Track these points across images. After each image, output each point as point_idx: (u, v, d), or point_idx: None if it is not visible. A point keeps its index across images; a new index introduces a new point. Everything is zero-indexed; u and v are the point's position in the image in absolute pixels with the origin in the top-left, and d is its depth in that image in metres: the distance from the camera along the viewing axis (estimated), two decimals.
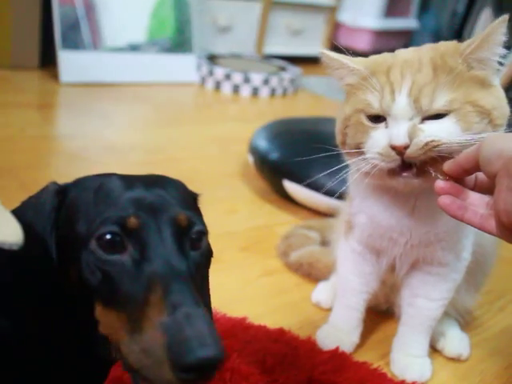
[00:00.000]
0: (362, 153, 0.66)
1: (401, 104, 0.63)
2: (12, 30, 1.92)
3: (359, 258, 0.82)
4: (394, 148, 0.62)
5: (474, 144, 0.55)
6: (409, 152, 0.62)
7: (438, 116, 0.63)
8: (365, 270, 0.83)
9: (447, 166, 0.58)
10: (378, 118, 0.65)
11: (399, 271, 0.81)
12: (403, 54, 0.68)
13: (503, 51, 0.63)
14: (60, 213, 0.48)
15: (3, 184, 1.19)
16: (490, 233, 0.56)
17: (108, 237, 0.43)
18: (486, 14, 1.67)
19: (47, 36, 1.98)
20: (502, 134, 0.55)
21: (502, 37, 0.62)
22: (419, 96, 0.62)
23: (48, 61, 2.01)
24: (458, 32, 2.72)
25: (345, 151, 0.71)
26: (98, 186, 0.48)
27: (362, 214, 0.77)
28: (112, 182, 0.48)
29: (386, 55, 0.69)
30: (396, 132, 0.62)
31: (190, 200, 0.53)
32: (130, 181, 0.48)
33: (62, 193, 0.49)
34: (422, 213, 0.72)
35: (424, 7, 3.06)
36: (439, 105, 0.63)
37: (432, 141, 0.61)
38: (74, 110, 1.78)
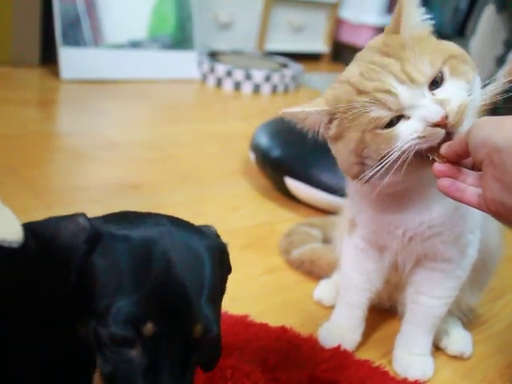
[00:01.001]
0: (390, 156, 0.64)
1: (404, 94, 0.61)
2: (12, 27, 1.91)
3: (362, 254, 0.82)
4: (437, 124, 0.60)
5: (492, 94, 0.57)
6: (451, 119, 0.61)
7: (438, 84, 0.63)
8: (368, 267, 0.82)
9: (443, 149, 0.59)
10: (394, 121, 0.63)
11: (403, 269, 0.80)
12: (353, 70, 0.67)
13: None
14: (85, 261, 0.45)
15: (3, 181, 1.18)
16: (487, 212, 0.56)
17: (121, 337, 0.44)
18: (488, 10, 1.66)
19: (48, 33, 1.98)
20: (489, 119, 0.55)
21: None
22: (409, 76, 0.62)
23: (49, 58, 2.01)
24: (461, 28, 2.71)
25: (369, 173, 0.65)
26: (130, 249, 0.45)
27: (363, 214, 0.77)
28: (146, 245, 0.45)
29: (337, 87, 0.67)
30: (429, 110, 0.61)
31: (217, 272, 0.50)
32: (165, 250, 0.46)
33: (94, 241, 0.46)
34: (415, 205, 0.72)
35: (426, 3, 3.04)
36: (427, 70, 0.62)
37: (461, 103, 0.61)
38: (75, 106, 1.78)
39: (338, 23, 2.96)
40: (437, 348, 0.89)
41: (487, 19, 1.63)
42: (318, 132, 0.69)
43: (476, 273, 0.85)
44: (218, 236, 0.55)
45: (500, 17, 1.60)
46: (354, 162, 0.66)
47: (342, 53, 2.99)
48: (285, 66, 2.43)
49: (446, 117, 0.60)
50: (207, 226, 0.56)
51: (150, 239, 0.46)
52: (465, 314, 0.93)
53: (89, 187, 1.25)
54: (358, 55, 0.69)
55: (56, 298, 0.45)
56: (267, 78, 2.24)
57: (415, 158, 0.62)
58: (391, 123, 0.62)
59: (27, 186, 1.19)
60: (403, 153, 0.61)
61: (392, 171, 0.63)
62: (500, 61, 1.56)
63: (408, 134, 0.61)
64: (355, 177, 0.67)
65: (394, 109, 0.62)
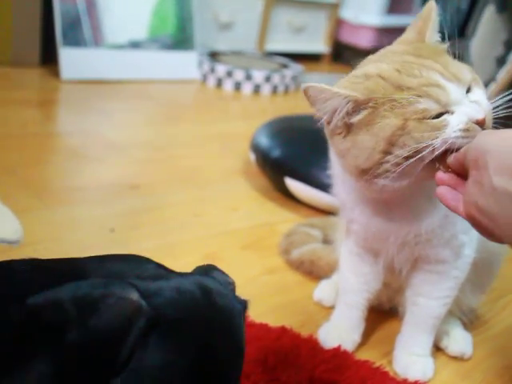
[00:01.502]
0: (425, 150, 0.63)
1: (453, 90, 0.63)
2: (13, 27, 1.91)
3: (357, 258, 0.83)
4: (477, 122, 0.62)
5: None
6: (487, 120, 0.63)
7: (469, 90, 0.65)
8: (364, 270, 0.83)
9: (449, 159, 0.60)
10: (437, 115, 0.64)
11: (400, 272, 0.81)
12: (380, 67, 0.66)
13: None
14: (137, 354, 0.37)
15: (3, 181, 1.18)
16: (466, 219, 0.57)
17: None
18: (489, 10, 1.66)
19: (48, 33, 1.98)
20: (489, 131, 0.58)
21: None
22: (455, 75, 0.63)
23: (49, 58, 2.00)
24: (462, 29, 2.71)
25: (391, 162, 0.63)
26: (192, 336, 0.40)
27: (355, 223, 0.78)
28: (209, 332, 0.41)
29: (362, 80, 0.66)
30: (472, 108, 0.63)
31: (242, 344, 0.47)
32: (208, 344, 0.41)
33: (151, 327, 0.38)
34: (404, 216, 0.73)
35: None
36: (468, 75, 0.65)
37: (489, 108, 0.64)
38: (75, 107, 1.78)
39: (338, 24, 2.96)
40: (437, 348, 0.88)
41: (488, 20, 1.62)
42: (330, 118, 0.66)
43: (477, 274, 0.85)
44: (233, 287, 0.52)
45: (500, 17, 1.59)
46: (380, 151, 0.63)
47: (342, 53, 2.99)
48: (285, 66, 2.43)
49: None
50: (214, 271, 0.51)
51: (211, 324, 0.42)
52: (465, 315, 0.92)
53: (88, 187, 1.24)
54: (374, 58, 0.69)
55: None
56: (267, 79, 2.24)
57: (427, 165, 0.63)
58: (435, 116, 0.63)
59: (27, 186, 1.19)
60: (444, 143, 0.61)
61: (408, 172, 0.63)
62: (500, 61, 1.56)
63: (455, 124, 0.62)
64: (368, 170, 0.65)
65: (443, 102, 0.62)
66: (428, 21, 0.68)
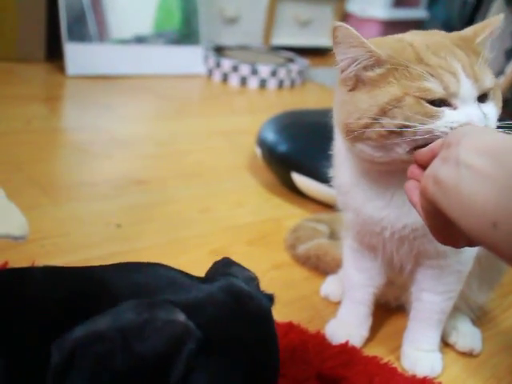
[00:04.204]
0: (407, 131, 0.62)
1: (467, 86, 0.61)
2: (18, 23, 1.91)
3: (359, 254, 0.82)
4: None
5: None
6: None
7: (484, 100, 0.63)
8: (366, 265, 0.82)
9: (423, 149, 0.57)
10: (437, 102, 0.62)
11: (402, 269, 0.80)
12: (416, 38, 0.66)
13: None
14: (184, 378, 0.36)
15: (9, 177, 1.18)
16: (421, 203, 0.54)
17: None
18: (497, 3, 1.65)
19: (53, 28, 1.97)
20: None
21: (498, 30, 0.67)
22: (476, 75, 0.62)
23: (54, 53, 2.00)
24: (469, 22, 2.68)
25: (382, 129, 0.63)
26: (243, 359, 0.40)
27: (348, 211, 0.77)
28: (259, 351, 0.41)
29: (392, 41, 0.66)
30: (477, 114, 0.61)
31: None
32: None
33: (200, 349, 0.37)
34: (398, 205, 0.71)
35: None
36: (488, 83, 0.63)
37: (494, 127, 0.62)
38: (80, 102, 1.78)
39: (344, 17, 2.94)
40: (446, 344, 0.88)
41: (496, 12, 1.60)
42: (346, 66, 0.65)
43: (483, 269, 0.84)
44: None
45: (509, 10, 1.58)
46: (370, 116, 0.63)
47: None
48: (291, 60, 2.41)
49: None
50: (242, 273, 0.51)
51: (261, 343, 0.41)
52: (473, 311, 0.92)
53: (95, 183, 1.24)
54: (417, 32, 0.69)
55: None
56: (273, 73, 2.23)
57: (405, 150, 0.62)
58: (434, 102, 0.61)
59: (33, 182, 1.19)
60: (427, 133, 0.60)
61: (387, 146, 0.63)
62: (509, 54, 1.55)
63: (450, 120, 0.60)
64: (354, 130, 0.65)
65: (450, 90, 0.61)
66: (488, 27, 0.67)
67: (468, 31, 0.68)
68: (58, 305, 0.37)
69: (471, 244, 0.51)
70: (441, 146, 0.52)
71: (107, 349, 0.34)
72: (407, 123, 0.60)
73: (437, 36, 0.67)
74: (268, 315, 0.47)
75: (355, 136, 0.65)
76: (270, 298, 0.52)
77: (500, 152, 0.44)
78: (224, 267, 0.50)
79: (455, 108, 0.61)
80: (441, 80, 0.61)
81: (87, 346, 0.34)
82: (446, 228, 0.50)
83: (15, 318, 0.36)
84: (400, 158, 0.63)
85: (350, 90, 0.66)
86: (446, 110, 0.61)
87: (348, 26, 0.63)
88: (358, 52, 0.63)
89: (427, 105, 0.61)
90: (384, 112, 0.62)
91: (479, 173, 0.43)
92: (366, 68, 0.64)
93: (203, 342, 0.37)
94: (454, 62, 0.62)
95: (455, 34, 0.68)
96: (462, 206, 0.44)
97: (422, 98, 0.61)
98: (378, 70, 0.63)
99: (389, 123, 0.62)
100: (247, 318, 0.43)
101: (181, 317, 0.36)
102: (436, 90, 0.61)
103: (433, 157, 0.53)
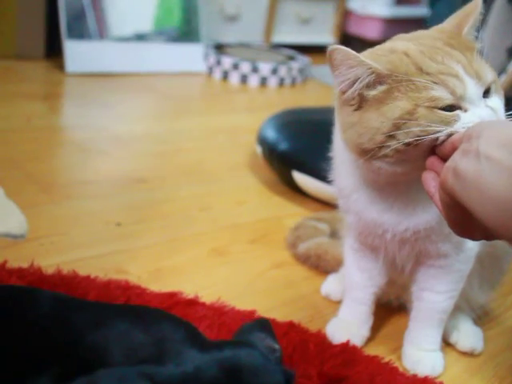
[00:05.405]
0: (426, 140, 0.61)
1: (471, 85, 0.61)
2: (17, 20, 1.90)
3: (359, 254, 0.82)
4: None
5: None
6: None
7: (487, 95, 0.63)
8: (367, 265, 0.82)
9: (445, 143, 0.58)
10: (448, 108, 0.62)
11: (403, 268, 0.79)
12: (408, 45, 0.64)
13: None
14: None
15: (9, 175, 1.18)
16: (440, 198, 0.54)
17: None
18: (500, 1, 1.64)
19: (53, 26, 1.97)
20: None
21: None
22: (477, 73, 0.61)
23: (53, 51, 2.00)
24: None
25: (399, 144, 0.61)
26: None
27: (350, 213, 0.76)
28: None
29: (386, 53, 0.65)
30: (487, 112, 0.61)
31: None
32: None
33: None
34: (400, 208, 0.71)
35: None
36: (489, 77, 0.62)
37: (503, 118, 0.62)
38: (80, 100, 1.77)
39: (345, 15, 2.93)
40: (447, 344, 0.87)
41: (498, 10, 1.60)
42: (348, 87, 0.63)
43: (484, 268, 0.84)
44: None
45: (511, 7, 1.57)
46: (384, 133, 0.62)
47: (349, 45, 2.95)
48: (292, 58, 2.41)
49: None
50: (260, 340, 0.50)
51: None
52: (474, 311, 0.91)
53: (95, 181, 1.24)
54: (404, 37, 0.68)
55: None
56: (274, 71, 2.22)
57: (424, 154, 0.61)
58: (445, 108, 0.61)
59: (33, 181, 1.18)
60: (449, 136, 0.60)
61: (406, 159, 0.62)
62: (511, 52, 1.54)
63: (466, 121, 0.60)
64: (369, 150, 0.64)
65: (458, 94, 0.60)
66: (470, 16, 0.66)
67: (451, 24, 0.67)
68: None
69: (487, 237, 0.51)
70: (461, 139, 0.52)
71: None
72: (427, 131, 0.60)
73: (426, 39, 0.65)
74: None
75: (371, 155, 0.64)
76: (289, 376, 0.47)
77: None
78: (247, 332, 0.48)
79: (465, 110, 0.61)
80: (446, 86, 0.60)
81: None
82: (463, 220, 0.50)
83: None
84: (422, 166, 0.62)
85: (356, 109, 0.65)
86: (459, 114, 0.60)
87: (344, 48, 0.62)
88: (358, 71, 0.62)
89: (441, 112, 0.60)
90: (397, 127, 0.61)
91: (499, 164, 0.44)
92: (368, 86, 0.63)
93: None
94: (453, 65, 0.61)
95: (439, 29, 0.67)
96: (481, 198, 0.44)
97: (433, 107, 0.60)
98: (381, 88, 0.62)
99: (406, 136, 0.61)
100: None
101: None
102: (444, 97, 0.60)
103: (453, 149, 0.53)
